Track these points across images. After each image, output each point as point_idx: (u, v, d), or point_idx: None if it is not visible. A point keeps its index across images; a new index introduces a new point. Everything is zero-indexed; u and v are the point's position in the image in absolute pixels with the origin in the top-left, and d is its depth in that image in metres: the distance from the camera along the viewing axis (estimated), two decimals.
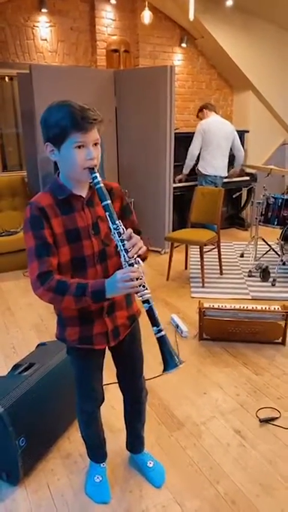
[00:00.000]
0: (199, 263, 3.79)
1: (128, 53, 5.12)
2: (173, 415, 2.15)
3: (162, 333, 1.27)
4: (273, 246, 4.34)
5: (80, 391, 1.59)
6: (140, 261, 1.25)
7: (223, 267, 4.08)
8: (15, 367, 1.97)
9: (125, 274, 1.21)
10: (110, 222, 1.24)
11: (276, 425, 2.05)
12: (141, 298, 1.25)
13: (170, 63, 5.40)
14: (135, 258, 1.24)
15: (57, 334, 1.49)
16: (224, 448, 1.92)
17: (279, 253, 4.12)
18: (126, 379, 1.64)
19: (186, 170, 4.79)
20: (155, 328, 1.27)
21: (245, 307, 2.78)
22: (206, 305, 2.81)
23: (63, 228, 1.29)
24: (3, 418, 1.62)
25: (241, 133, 5.72)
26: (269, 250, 4.34)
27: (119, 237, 1.23)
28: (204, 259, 3.80)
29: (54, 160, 1.30)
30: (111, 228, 1.24)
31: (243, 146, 5.77)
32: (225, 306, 2.79)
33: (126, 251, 1.23)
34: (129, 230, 1.26)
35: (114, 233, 1.24)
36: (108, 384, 1.82)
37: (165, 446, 1.94)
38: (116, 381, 1.66)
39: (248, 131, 5.81)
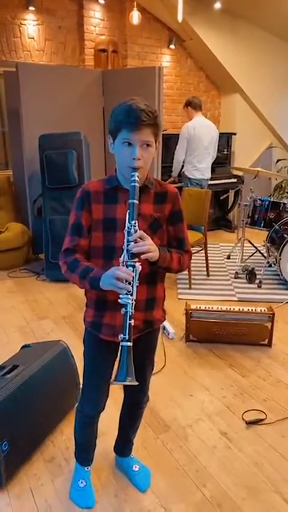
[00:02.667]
0: None
1: (116, 53, 5.10)
2: (159, 417, 2.13)
3: (128, 343, 1.23)
4: (259, 248, 4.36)
5: (84, 387, 1.58)
6: (137, 265, 1.25)
7: (210, 269, 4.09)
8: None
9: (114, 271, 1.23)
10: (126, 220, 1.27)
11: (263, 423, 2.05)
12: (120, 300, 1.24)
13: (159, 64, 5.39)
14: (134, 261, 1.24)
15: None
16: (210, 451, 1.91)
17: (265, 255, 4.14)
18: None
19: (175, 173, 4.78)
20: (121, 335, 1.24)
21: (232, 309, 2.78)
22: (192, 307, 2.80)
23: (102, 215, 1.36)
24: None
25: (228, 136, 5.77)
26: (255, 252, 4.36)
27: (128, 236, 1.26)
28: (191, 261, 3.78)
29: (112, 153, 1.35)
30: (126, 225, 1.27)
31: (230, 148, 5.82)
32: (212, 308, 2.79)
33: (128, 251, 1.25)
34: (141, 232, 1.26)
35: (126, 232, 1.27)
36: None
37: (151, 449, 1.92)
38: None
39: (235, 134, 5.84)
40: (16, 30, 4.71)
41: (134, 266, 1.24)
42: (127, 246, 1.25)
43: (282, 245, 3.66)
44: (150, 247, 1.26)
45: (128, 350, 1.23)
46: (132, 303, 1.24)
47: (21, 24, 4.72)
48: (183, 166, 4.68)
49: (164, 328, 2.96)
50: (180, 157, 4.57)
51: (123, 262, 1.25)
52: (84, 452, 1.72)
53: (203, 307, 2.79)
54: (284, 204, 3.96)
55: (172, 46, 5.57)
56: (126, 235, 1.25)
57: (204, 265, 4.06)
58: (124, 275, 1.21)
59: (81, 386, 1.61)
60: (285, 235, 3.70)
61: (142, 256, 1.25)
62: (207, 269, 4.06)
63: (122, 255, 1.26)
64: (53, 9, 4.85)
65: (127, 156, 1.27)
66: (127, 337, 1.23)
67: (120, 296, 1.24)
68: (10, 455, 1.68)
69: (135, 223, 1.25)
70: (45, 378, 1.91)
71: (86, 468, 1.72)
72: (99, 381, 1.54)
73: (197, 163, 4.58)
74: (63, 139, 3.84)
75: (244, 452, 1.90)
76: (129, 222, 1.25)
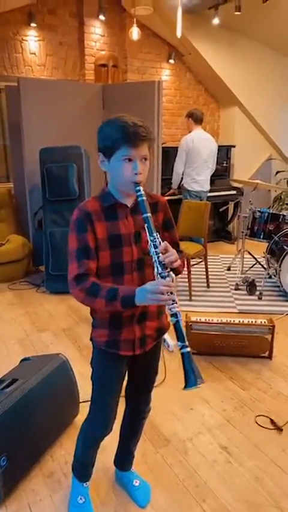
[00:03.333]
0: (186, 276, 3.79)
1: (117, 67, 5.18)
2: (159, 431, 2.11)
3: (187, 349, 1.26)
4: (259, 260, 4.36)
5: (93, 412, 1.55)
6: (173, 274, 1.27)
7: (210, 280, 4.09)
8: None
9: (155, 286, 1.23)
10: (147, 234, 1.28)
11: (268, 427, 2.04)
12: (169, 311, 1.26)
13: (158, 79, 5.47)
14: (168, 271, 1.26)
15: (90, 334, 1.51)
16: (210, 465, 1.90)
17: (265, 266, 4.15)
18: (136, 392, 1.62)
19: (175, 185, 4.83)
20: (179, 343, 1.26)
21: (232, 321, 2.77)
22: (192, 319, 2.80)
23: (106, 233, 1.34)
24: None
25: (228, 148, 5.82)
26: (255, 264, 4.37)
27: (155, 249, 1.27)
28: (191, 272, 3.80)
29: (105, 170, 1.35)
30: (149, 239, 1.28)
31: (229, 161, 5.87)
32: (212, 320, 2.78)
33: (160, 263, 1.26)
34: (165, 243, 1.28)
35: (151, 245, 1.28)
36: None
37: (151, 463, 1.90)
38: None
39: (234, 146, 5.89)
40: (18, 46, 4.79)
41: (168, 276, 1.26)
42: (157, 258, 1.26)
43: (282, 257, 3.67)
44: (177, 259, 1.29)
45: (189, 356, 1.26)
46: (179, 311, 1.27)
47: (23, 40, 4.80)
48: (182, 178, 4.72)
49: (164, 340, 2.96)
50: (179, 169, 4.62)
51: (157, 274, 1.25)
52: (85, 469, 1.70)
53: (203, 320, 2.79)
54: (284, 215, 3.98)
55: (171, 61, 5.66)
56: (153, 248, 1.26)
57: (205, 276, 4.06)
58: (166, 288, 1.22)
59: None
60: (285, 247, 3.71)
61: (174, 265, 1.28)
62: (208, 281, 4.06)
63: (155, 268, 1.26)
64: (55, 26, 4.95)
65: (128, 171, 1.28)
66: (186, 343, 1.27)
67: (169, 307, 1.25)
68: (8, 470, 1.67)
69: (157, 235, 1.28)
70: (45, 392, 1.90)
71: (84, 484, 1.70)
72: (112, 402, 1.52)
73: (196, 175, 4.62)
74: (63, 153, 3.88)
75: (244, 467, 1.88)
76: (151, 235, 1.27)
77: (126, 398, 1.65)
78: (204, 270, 4.05)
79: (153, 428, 2.12)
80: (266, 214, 4.01)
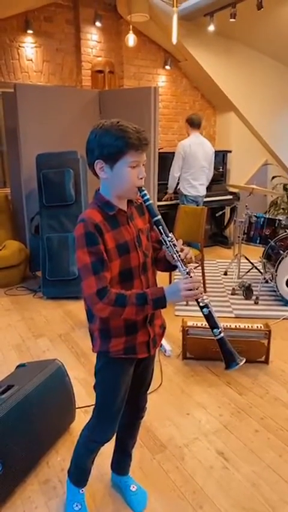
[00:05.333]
0: None
1: (113, 73, 5.21)
2: (155, 437, 2.11)
3: (222, 334, 1.35)
4: (256, 264, 4.37)
5: (101, 418, 1.53)
6: (193, 269, 1.34)
7: (207, 285, 4.09)
8: None
9: (186, 284, 1.29)
10: (164, 235, 1.33)
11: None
12: (201, 304, 1.33)
13: (154, 85, 5.50)
14: (188, 268, 1.33)
15: (97, 347, 1.44)
16: (207, 471, 1.89)
17: (261, 271, 4.15)
18: (137, 392, 1.62)
19: (171, 190, 4.86)
20: (215, 330, 1.35)
21: (229, 326, 2.77)
22: (189, 323, 2.80)
23: (114, 242, 1.33)
24: None
25: (224, 154, 5.85)
26: (251, 269, 4.37)
27: (175, 248, 1.33)
28: None
29: (104, 177, 1.33)
30: (165, 240, 1.33)
31: (225, 166, 5.89)
32: None
33: (182, 261, 1.32)
34: (180, 241, 1.35)
35: (170, 245, 1.33)
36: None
37: (147, 469, 1.90)
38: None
39: (230, 151, 5.92)
40: (14, 53, 4.82)
41: (191, 271, 1.33)
42: (179, 257, 1.33)
43: (278, 261, 3.68)
44: (192, 255, 1.37)
45: (225, 340, 1.36)
46: (209, 301, 1.34)
47: (20, 46, 4.83)
48: (178, 183, 4.74)
49: (161, 345, 2.95)
50: (176, 173, 4.66)
51: (183, 271, 1.32)
52: (82, 474, 1.68)
53: (199, 324, 2.79)
54: (280, 220, 3.99)
55: (167, 67, 5.69)
56: (172, 248, 1.33)
57: (201, 281, 4.07)
58: (194, 284, 1.29)
59: (93, 415, 1.55)
60: (281, 252, 3.72)
61: (188, 258, 1.36)
62: (204, 285, 4.06)
63: (178, 267, 1.33)
64: (51, 32, 4.98)
65: (134, 177, 1.30)
66: (221, 329, 1.35)
67: (199, 300, 1.32)
68: (4, 477, 1.66)
69: (172, 234, 1.33)
70: (41, 398, 1.90)
71: (80, 490, 1.68)
72: (119, 409, 1.51)
73: (193, 180, 4.64)
74: (60, 158, 3.89)
75: (241, 473, 1.88)
76: (167, 236, 1.33)
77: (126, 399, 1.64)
78: (200, 274, 4.06)
79: (150, 434, 2.12)
80: (262, 219, 4.02)
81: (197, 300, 1.32)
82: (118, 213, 1.36)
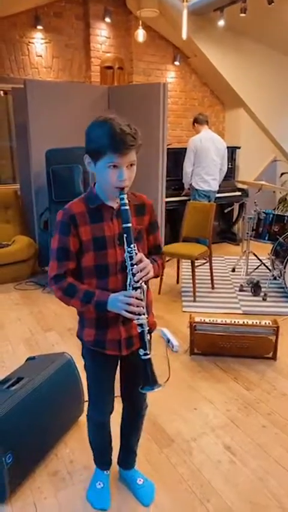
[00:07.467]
0: (191, 277, 3.79)
1: (122, 69, 5.20)
2: (163, 431, 2.12)
3: (149, 356, 1.34)
4: (264, 261, 4.36)
5: (90, 398, 1.61)
6: (144, 286, 1.34)
7: (215, 282, 4.09)
8: (3, 381, 1.94)
9: (126, 297, 1.30)
10: (125, 244, 1.31)
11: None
12: (135, 321, 1.33)
13: (163, 80, 5.49)
14: (140, 283, 1.32)
15: (77, 332, 1.54)
16: (215, 465, 1.90)
17: (270, 268, 4.14)
18: (131, 391, 1.62)
19: (186, 185, 4.94)
20: (141, 350, 1.34)
21: (236, 322, 2.78)
22: (197, 319, 2.80)
23: (91, 235, 1.35)
24: None
25: (233, 150, 5.82)
26: (260, 265, 4.36)
27: (130, 260, 1.31)
28: (196, 274, 3.81)
29: (91, 172, 1.36)
30: (126, 249, 1.31)
31: (234, 162, 5.87)
32: (216, 321, 2.79)
33: (133, 275, 1.31)
34: (140, 255, 1.32)
35: (127, 256, 1.31)
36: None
37: (155, 463, 1.91)
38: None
39: (239, 147, 5.90)
40: (24, 49, 4.84)
41: (140, 287, 1.32)
42: (131, 269, 1.30)
43: (286, 258, 3.67)
44: (150, 271, 1.34)
45: (150, 362, 1.35)
46: (146, 321, 1.33)
47: (30, 42, 4.85)
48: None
49: (169, 341, 2.97)
50: (188, 168, 4.73)
51: (129, 284, 1.31)
52: (102, 456, 1.76)
53: (207, 320, 2.79)
54: None
55: (177, 62, 5.67)
56: (128, 259, 1.31)
57: (209, 278, 4.07)
58: (135, 301, 1.29)
59: (86, 395, 1.62)
60: None
61: (146, 277, 1.33)
62: (212, 282, 4.06)
63: (129, 278, 1.31)
64: (61, 28, 4.98)
65: (114, 178, 1.28)
66: (148, 351, 1.34)
67: (135, 317, 1.31)
68: (14, 468, 1.68)
69: (134, 246, 1.30)
70: (50, 390, 1.92)
71: (105, 472, 1.76)
72: (104, 390, 1.58)
73: (205, 175, 4.66)
74: (69, 154, 3.90)
75: (248, 467, 1.89)
76: (128, 246, 1.30)
77: (122, 397, 1.67)
78: (209, 271, 4.06)
79: (157, 428, 2.13)
80: (271, 216, 4.01)
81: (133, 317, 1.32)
82: (103, 208, 1.37)
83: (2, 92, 5.01)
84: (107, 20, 5.05)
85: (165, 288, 4.02)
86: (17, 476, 1.73)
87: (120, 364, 1.58)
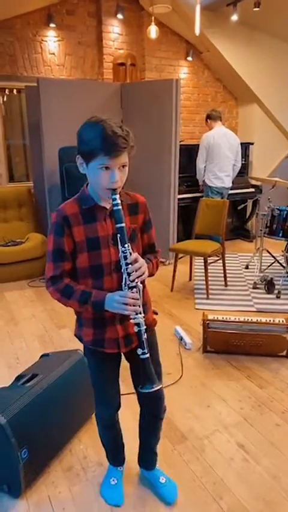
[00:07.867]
0: (203, 274, 3.78)
1: (135, 66, 5.19)
2: (176, 428, 2.13)
3: (147, 355, 1.36)
4: (278, 258, 4.33)
5: (95, 395, 1.62)
6: (140, 285, 1.34)
7: (228, 279, 4.08)
8: (18, 377, 1.97)
9: (122, 297, 1.31)
10: (119, 244, 1.31)
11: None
12: (132, 321, 1.34)
13: (176, 76, 5.46)
14: (136, 282, 1.32)
15: (75, 331, 1.56)
16: (227, 463, 1.90)
17: (284, 265, 4.11)
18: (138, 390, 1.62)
19: (201, 181, 4.93)
20: (139, 349, 1.35)
21: (250, 320, 2.76)
22: (210, 317, 2.80)
23: (84, 236, 1.36)
24: (5, 429, 1.62)
25: (246, 146, 5.77)
26: (274, 262, 4.33)
27: (125, 260, 1.31)
28: (209, 271, 3.79)
29: (83, 172, 1.36)
30: (120, 249, 1.31)
31: (248, 158, 5.82)
32: (230, 318, 2.78)
33: (129, 274, 1.31)
34: (135, 254, 1.32)
35: (121, 255, 1.32)
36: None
37: (168, 460, 1.92)
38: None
39: (252, 143, 5.84)
40: (37, 47, 4.86)
41: (136, 286, 1.33)
42: (126, 269, 1.31)
43: None
44: (144, 270, 1.35)
45: (148, 361, 1.36)
46: (143, 320, 1.34)
47: (43, 40, 4.87)
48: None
49: (181, 338, 2.97)
50: (200, 164, 4.73)
51: (125, 285, 1.32)
52: (114, 453, 1.77)
53: (220, 318, 2.79)
54: None
55: (189, 58, 5.64)
56: (123, 259, 1.31)
57: (222, 275, 4.05)
58: (131, 301, 1.30)
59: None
60: None
61: (141, 277, 1.34)
62: (225, 279, 4.05)
63: (124, 278, 1.32)
64: (73, 26, 4.99)
65: (105, 179, 1.28)
66: (146, 350, 1.35)
67: (132, 317, 1.32)
68: (29, 463, 1.71)
69: (128, 246, 1.31)
70: (64, 387, 1.94)
71: (119, 468, 1.78)
72: (108, 387, 1.59)
73: (218, 171, 4.64)
74: None
75: (261, 465, 1.88)
76: (122, 246, 1.30)
77: (138, 400, 1.65)
78: (221, 268, 4.04)
79: (170, 425, 2.14)
80: (285, 212, 3.96)
81: (129, 316, 1.33)
82: (96, 209, 1.37)
83: (15, 90, 5.04)
84: (119, 16, 5.04)
85: (177, 285, 4.02)
86: (32, 472, 1.76)
87: (130, 366, 1.57)
